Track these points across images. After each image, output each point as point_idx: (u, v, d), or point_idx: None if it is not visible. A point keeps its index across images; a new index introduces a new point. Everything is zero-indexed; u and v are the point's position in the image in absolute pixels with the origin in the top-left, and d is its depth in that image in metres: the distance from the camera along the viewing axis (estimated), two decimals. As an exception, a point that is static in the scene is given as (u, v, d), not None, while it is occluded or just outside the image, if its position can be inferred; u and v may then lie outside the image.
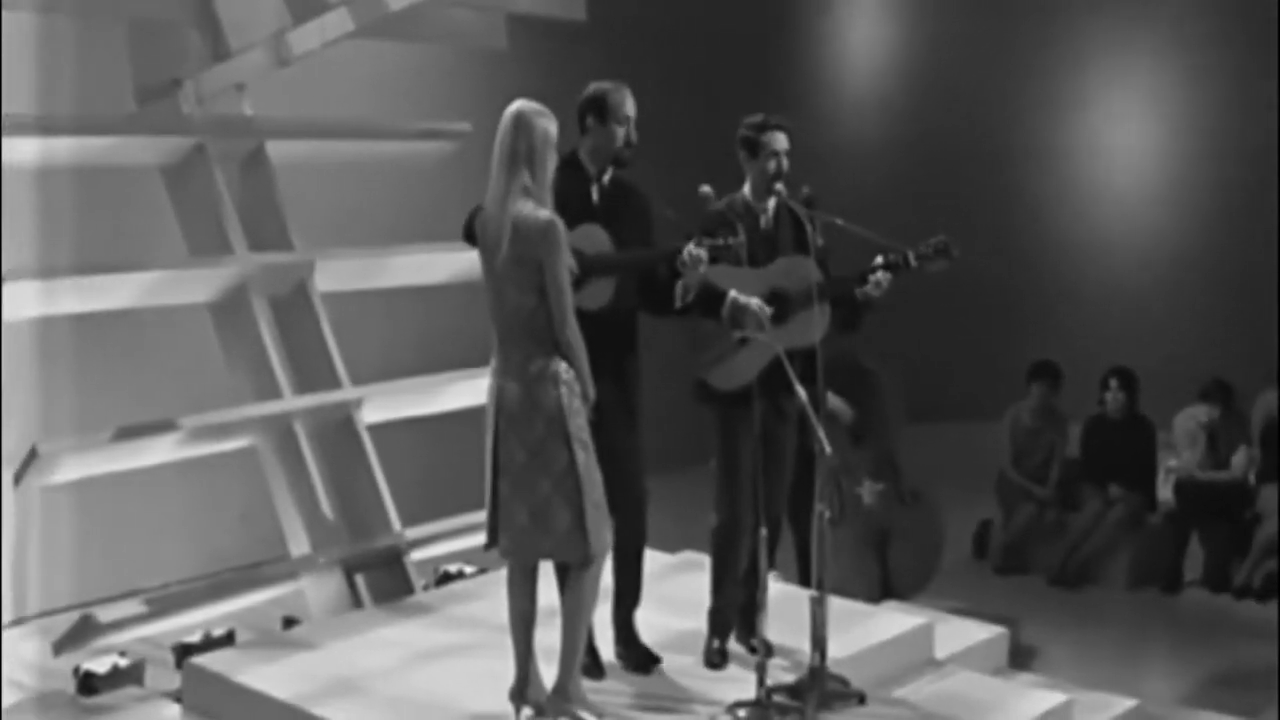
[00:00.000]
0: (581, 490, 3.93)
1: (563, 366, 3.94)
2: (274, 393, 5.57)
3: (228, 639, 5.28)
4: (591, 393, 4.00)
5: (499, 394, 3.99)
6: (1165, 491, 7.93)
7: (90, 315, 5.61)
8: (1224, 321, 9.63)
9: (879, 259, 4.51)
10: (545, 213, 3.91)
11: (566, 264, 3.93)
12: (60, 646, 4.90)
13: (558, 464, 3.92)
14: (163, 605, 5.19)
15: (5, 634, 5.30)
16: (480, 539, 5.81)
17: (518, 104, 4.01)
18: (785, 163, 4.56)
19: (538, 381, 3.92)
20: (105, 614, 4.94)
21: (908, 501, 7.10)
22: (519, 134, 3.95)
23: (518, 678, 4.14)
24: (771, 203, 4.61)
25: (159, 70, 5.77)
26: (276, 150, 5.98)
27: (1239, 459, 7.76)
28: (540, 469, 3.93)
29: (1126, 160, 10.25)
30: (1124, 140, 10.30)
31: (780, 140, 4.56)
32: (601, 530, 3.99)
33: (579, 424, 3.95)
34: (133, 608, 5.07)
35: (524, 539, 3.99)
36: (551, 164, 4.00)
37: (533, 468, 3.93)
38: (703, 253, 4.19)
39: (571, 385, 3.95)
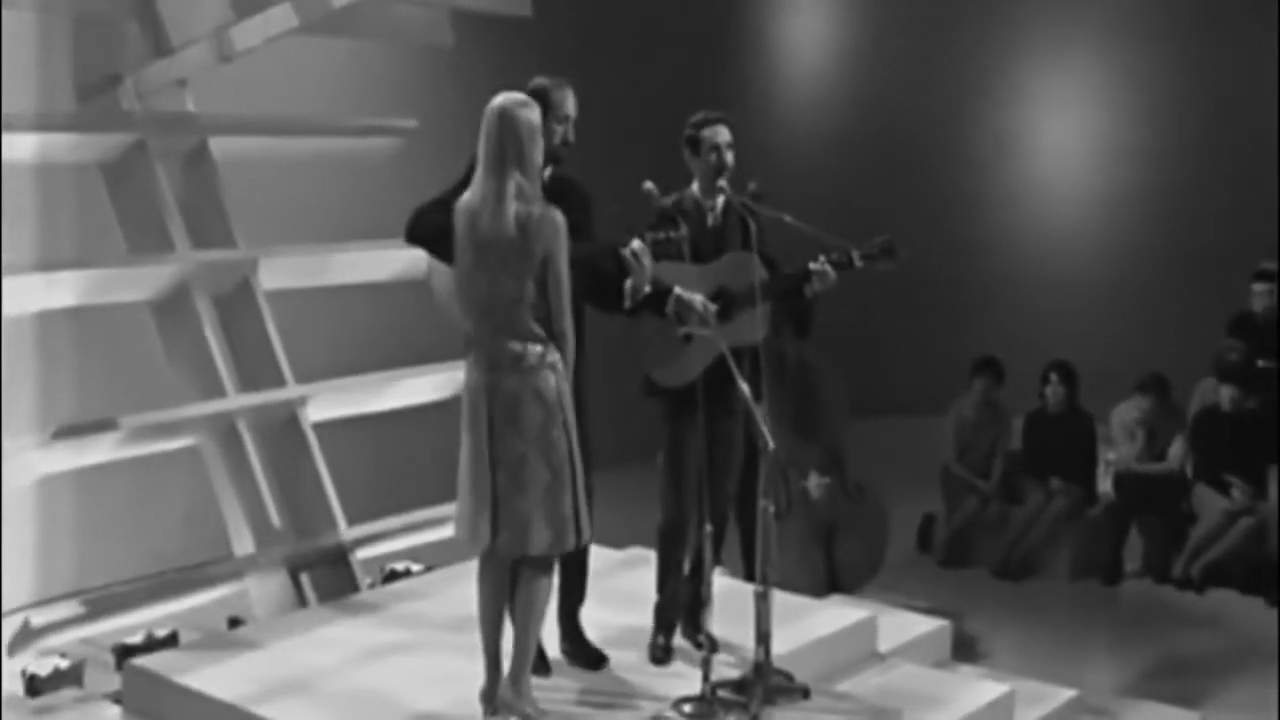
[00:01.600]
0: (577, 476, 3.98)
1: (557, 356, 3.98)
2: (218, 392, 5.53)
3: (170, 640, 5.23)
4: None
5: (491, 388, 3.97)
6: (1105, 484, 8.04)
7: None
8: (1164, 316, 9.77)
9: (822, 257, 4.53)
10: (548, 207, 3.96)
11: (567, 255, 3.98)
12: (13, 648, 4.85)
13: (559, 452, 3.95)
14: (105, 606, 5.14)
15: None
16: (426, 536, 5.88)
17: (499, 99, 4.02)
18: (728, 156, 4.57)
19: (536, 371, 3.95)
20: (48, 615, 4.89)
21: (853, 495, 7.15)
22: (504, 130, 3.95)
23: (488, 679, 4.12)
24: (720, 200, 4.62)
25: (102, 66, 5.71)
26: (220, 147, 5.93)
27: (1175, 450, 7.89)
28: (541, 458, 3.94)
29: (1069, 155, 10.38)
30: (1065, 135, 10.42)
31: (721, 133, 4.57)
32: (589, 519, 4.05)
33: (571, 412, 4.00)
34: (75, 608, 5.02)
35: (525, 531, 3.96)
36: (538, 154, 4.01)
37: (533, 458, 3.94)
38: (644, 247, 4.21)
39: (564, 375, 4.00)
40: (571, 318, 4.02)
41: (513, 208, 3.94)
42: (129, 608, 5.22)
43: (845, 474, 7.17)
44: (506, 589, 4.11)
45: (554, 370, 3.97)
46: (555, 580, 4.19)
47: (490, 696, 4.12)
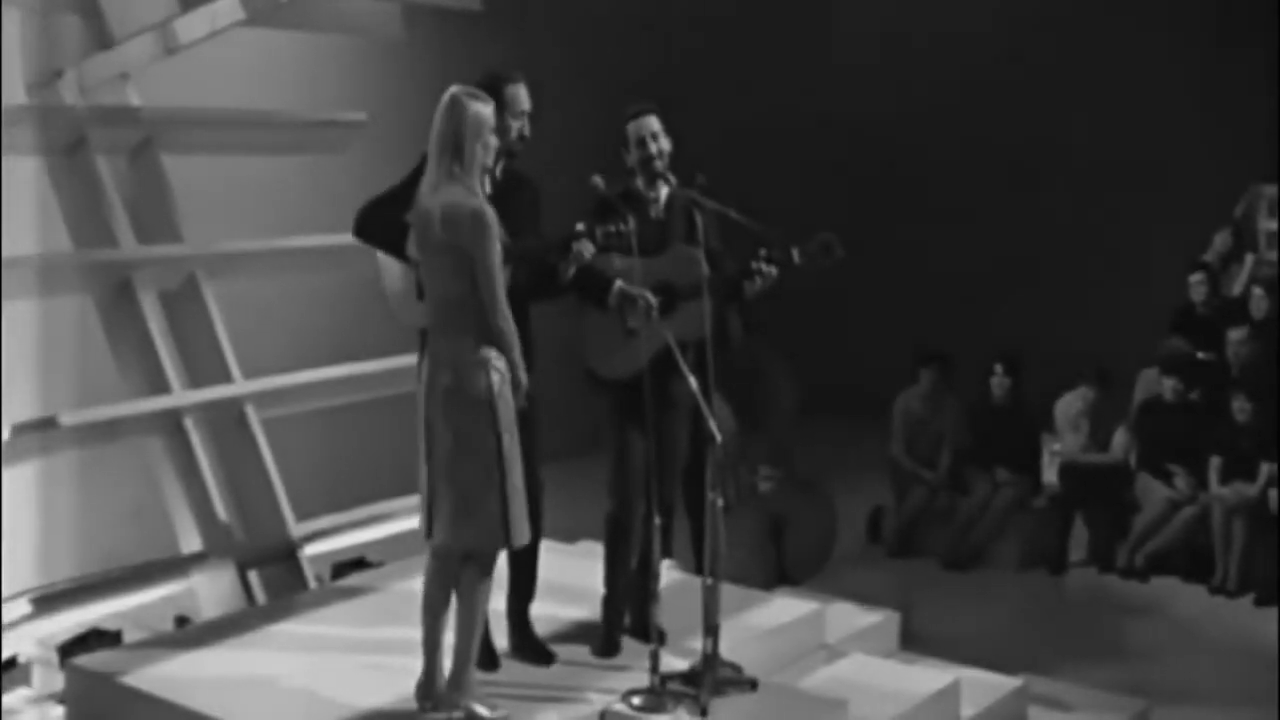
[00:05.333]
0: (506, 478, 3.94)
1: (494, 353, 3.95)
2: (164, 389, 5.50)
3: (114, 638, 5.19)
4: (524, 380, 4.01)
5: (430, 380, 3.99)
6: (1050, 475, 8.14)
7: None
8: (1106, 307, 9.88)
9: (762, 254, 4.55)
10: (475, 200, 3.91)
11: (498, 252, 3.92)
12: None
13: (486, 451, 3.92)
14: (50, 604, 5.10)
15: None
16: (375, 531, 5.87)
17: (453, 88, 4.00)
18: (652, 147, 4.54)
19: (469, 368, 3.93)
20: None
21: (802, 488, 7.21)
22: (449, 119, 3.93)
23: (425, 672, 4.13)
24: (664, 192, 4.63)
25: (46, 59, 5.65)
26: (168, 141, 5.88)
27: (1118, 441, 8.00)
28: (469, 456, 3.92)
29: (1017, 148, 10.44)
30: (1018, 127, 10.49)
31: (644, 125, 4.54)
32: (521, 522, 4.00)
33: (507, 411, 3.96)
34: (22, 607, 4.98)
35: (452, 527, 3.97)
36: (483, 148, 3.95)
37: (460, 455, 3.93)
38: (589, 248, 4.22)
39: (503, 372, 3.96)
40: (511, 314, 4.00)
41: (442, 200, 3.92)
42: (75, 606, 5.18)
43: (794, 467, 7.23)
44: (449, 584, 4.10)
45: (489, 368, 3.93)
46: (501, 574, 4.19)
47: (426, 691, 4.12)
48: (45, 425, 5.05)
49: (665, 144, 4.55)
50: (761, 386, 7.12)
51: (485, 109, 3.98)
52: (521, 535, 4.02)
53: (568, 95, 8.32)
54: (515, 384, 3.99)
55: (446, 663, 4.13)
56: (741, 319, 6.66)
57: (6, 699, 4.92)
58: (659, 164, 4.55)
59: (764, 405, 7.12)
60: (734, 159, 8.50)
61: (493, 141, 4.01)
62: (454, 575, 4.10)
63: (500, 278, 3.93)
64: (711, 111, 9.30)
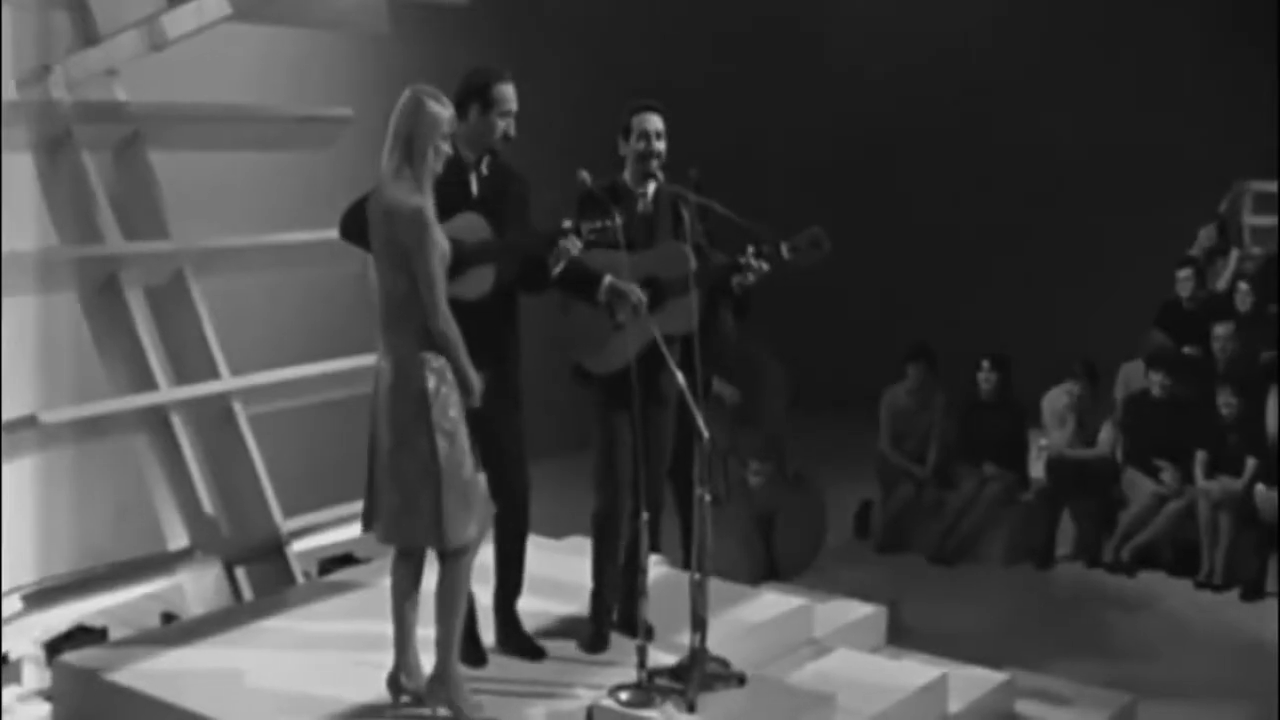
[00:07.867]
0: (441, 479, 3.92)
1: (432, 355, 3.93)
2: (150, 385, 5.49)
3: (100, 635, 5.18)
4: (475, 382, 3.99)
5: (376, 377, 4.01)
6: (1037, 469, 8.17)
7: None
8: (1095, 302, 9.92)
9: (751, 249, 4.56)
10: (414, 200, 3.88)
11: (438, 253, 3.89)
12: None
13: (421, 450, 3.92)
14: (37, 601, 5.09)
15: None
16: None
17: (413, 86, 3.99)
18: (657, 144, 4.56)
19: (407, 366, 3.92)
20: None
21: (792, 483, 7.21)
22: (404, 116, 3.93)
23: (396, 663, 4.14)
24: (651, 187, 4.64)
25: (39, 55, 5.64)
26: (154, 137, 5.87)
27: (1105, 435, 8.03)
28: (407, 454, 3.93)
29: (1006, 144, 10.47)
30: (1006, 123, 10.52)
31: (650, 121, 4.56)
32: (461, 522, 3.97)
33: (445, 412, 3.93)
34: (14, 604, 4.97)
35: (394, 523, 3.99)
36: (434, 150, 3.93)
37: (399, 453, 3.94)
38: (576, 245, 4.22)
39: (442, 373, 3.93)
40: (497, 309, 3.98)
41: (386, 197, 3.91)
42: (63, 603, 5.18)
43: (784, 462, 7.23)
44: (413, 577, 4.11)
45: (424, 368, 3.90)
46: (489, 569, 4.18)
47: (397, 683, 4.14)
48: (29, 424, 5.03)
49: (663, 147, 4.56)
50: (753, 381, 7.13)
51: (444, 112, 3.97)
52: (459, 536, 3.98)
53: (555, 90, 8.33)
54: (464, 386, 3.96)
55: (425, 657, 4.13)
56: (734, 313, 6.67)
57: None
58: (654, 163, 4.56)
59: (755, 400, 7.13)
60: (725, 157, 8.51)
61: (445, 146, 3.98)
62: (418, 568, 4.12)
63: (439, 279, 3.88)
64: (702, 108, 9.30)
